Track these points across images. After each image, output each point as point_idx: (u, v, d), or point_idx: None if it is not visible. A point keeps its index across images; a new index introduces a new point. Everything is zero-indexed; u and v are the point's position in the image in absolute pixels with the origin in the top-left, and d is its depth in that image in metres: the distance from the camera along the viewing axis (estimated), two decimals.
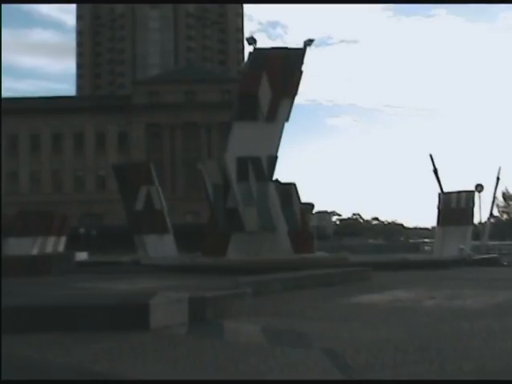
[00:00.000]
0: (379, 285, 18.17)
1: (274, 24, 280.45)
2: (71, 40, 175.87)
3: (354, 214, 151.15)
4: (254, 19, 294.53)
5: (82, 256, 36.77)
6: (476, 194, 35.90)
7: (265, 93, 29.91)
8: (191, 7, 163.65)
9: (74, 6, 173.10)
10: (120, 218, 43.07)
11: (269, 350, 8.34)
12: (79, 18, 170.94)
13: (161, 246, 34.18)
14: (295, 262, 26.02)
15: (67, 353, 8.20)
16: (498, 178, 38.41)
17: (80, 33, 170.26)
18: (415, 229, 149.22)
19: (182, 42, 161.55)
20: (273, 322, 11.03)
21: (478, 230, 40.94)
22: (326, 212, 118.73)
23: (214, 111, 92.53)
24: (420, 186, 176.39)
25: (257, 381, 6.57)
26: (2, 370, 6.86)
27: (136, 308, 10.29)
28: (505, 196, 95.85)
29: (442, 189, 36.27)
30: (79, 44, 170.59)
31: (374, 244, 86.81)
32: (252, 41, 30.94)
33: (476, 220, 38.14)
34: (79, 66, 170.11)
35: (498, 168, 38.79)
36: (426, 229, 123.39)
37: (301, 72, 30.84)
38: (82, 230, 68.84)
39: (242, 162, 29.48)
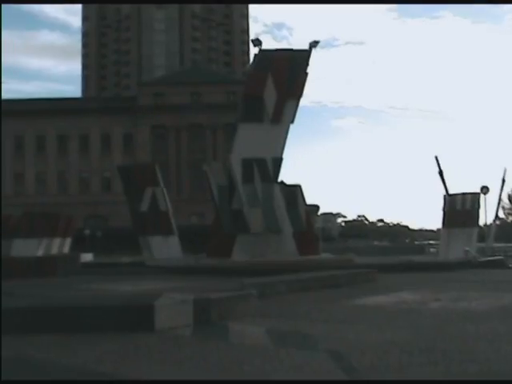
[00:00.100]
0: (384, 287, 18.14)
1: (279, 25, 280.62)
2: (77, 41, 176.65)
3: (359, 216, 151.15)
4: (260, 21, 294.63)
5: (87, 257, 36.82)
6: (481, 195, 35.80)
7: (270, 94, 29.93)
8: (197, 8, 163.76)
9: (79, 8, 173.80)
10: (125, 220, 43.04)
11: (274, 351, 8.33)
12: (85, 19, 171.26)
13: (166, 248, 34.17)
14: (300, 263, 25.99)
15: (71, 354, 8.21)
16: (503, 180, 38.32)
17: (86, 34, 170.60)
18: (420, 231, 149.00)
19: (188, 44, 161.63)
20: (278, 324, 11.02)
21: (484, 232, 40.82)
22: (331, 214, 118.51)
23: (219, 113, 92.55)
24: (425, 188, 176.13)
25: (258, 381, 6.56)
26: (4, 369, 6.86)
27: (141, 309, 10.28)
28: (510, 198, 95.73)
29: (447, 191, 36.20)
30: (85, 45, 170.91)
31: (379, 246, 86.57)
32: (257, 42, 30.97)
33: (481, 222, 38.03)
34: (85, 67, 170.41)
35: (503, 170, 38.70)
36: (432, 231, 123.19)
37: (306, 74, 30.85)
38: (87, 232, 68.90)
39: (248, 164, 29.50)
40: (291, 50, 32.74)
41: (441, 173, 36.76)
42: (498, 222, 40.36)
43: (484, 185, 37.02)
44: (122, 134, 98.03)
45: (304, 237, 29.75)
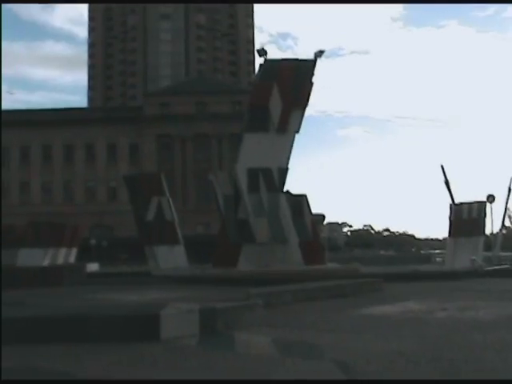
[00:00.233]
0: (391, 296, 18.10)
1: (284, 35, 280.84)
2: (83, 52, 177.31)
3: (365, 225, 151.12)
4: (265, 31, 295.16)
5: (93, 267, 36.82)
6: (487, 204, 35.71)
7: (276, 104, 29.97)
8: (202, 19, 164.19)
9: (85, 19, 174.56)
10: (131, 229, 43.04)
11: (280, 361, 8.30)
12: (91, 30, 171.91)
13: (171, 257, 34.13)
14: (306, 273, 25.95)
15: (78, 364, 8.20)
16: (509, 189, 38.19)
17: (92, 45, 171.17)
18: (426, 240, 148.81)
19: (193, 54, 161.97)
20: (284, 334, 10.99)
21: (490, 241, 40.70)
22: (337, 223, 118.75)
23: (224, 122, 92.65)
24: (431, 197, 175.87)
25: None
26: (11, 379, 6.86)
27: (146, 319, 10.28)
28: None
29: (453, 200, 36.15)
30: (91, 56, 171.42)
31: (385, 255, 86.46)
32: (263, 52, 31.03)
33: (488, 231, 37.94)
34: (91, 77, 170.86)
35: (509, 178, 38.60)
36: (438, 240, 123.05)
37: (311, 83, 30.89)
38: (93, 241, 68.98)
39: (253, 174, 29.51)
40: (296, 59, 32.79)
41: (447, 182, 36.71)
42: (504, 231, 40.22)
43: (490, 193, 36.92)
44: (128, 143, 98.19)
45: (310, 246, 29.72)
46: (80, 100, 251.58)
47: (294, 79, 30.39)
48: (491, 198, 36.43)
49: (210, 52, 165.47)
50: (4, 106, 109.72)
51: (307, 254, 29.30)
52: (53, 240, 31.78)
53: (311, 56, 31.25)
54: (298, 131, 30.57)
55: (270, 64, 30.99)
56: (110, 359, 8.41)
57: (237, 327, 11.07)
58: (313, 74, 30.84)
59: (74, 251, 35.48)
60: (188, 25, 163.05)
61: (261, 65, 31.48)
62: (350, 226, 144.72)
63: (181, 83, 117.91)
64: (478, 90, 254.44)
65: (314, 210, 32.55)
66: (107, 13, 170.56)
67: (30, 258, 29.39)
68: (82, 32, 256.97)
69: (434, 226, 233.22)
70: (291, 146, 30.41)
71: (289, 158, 30.40)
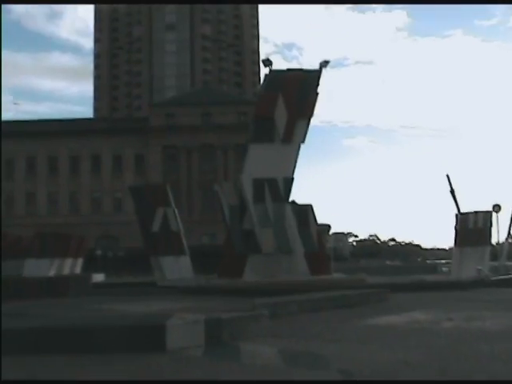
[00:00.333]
0: (397, 306, 18.06)
1: (289, 46, 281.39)
2: (89, 63, 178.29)
3: (370, 235, 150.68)
4: (270, 41, 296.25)
5: (98, 278, 36.84)
6: (493, 214, 35.64)
7: (281, 114, 30.00)
8: (207, 30, 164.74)
9: (91, 30, 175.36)
10: (136, 240, 43.05)
11: (286, 372, 8.29)
12: (97, 41, 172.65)
13: (177, 268, 34.12)
14: (312, 283, 25.90)
15: (83, 374, 8.19)
16: None
17: (98, 56, 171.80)
18: (432, 250, 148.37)
19: (198, 65, 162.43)
20: (289, 344, 10.97)
21: (496, 251, 40.59)
22: (342, 233, 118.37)
23: (230, 133, 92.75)
24: (437, 207, 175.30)
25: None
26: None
27: (152, 329, 10.27)
28: None
29: (459, 209, 36.08)
30: (97, 67, 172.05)
31: (391, 265, 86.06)
32: (268, 63, 31.10)
33: (494, 240, 37.84)
34: (97, 88, 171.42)
35: None
36: (444, 250, 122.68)
37: (316, 93, 30.94)
38: (98, 252, 68.98)
39: (259, 184, 29.52)
40: (301, 70, 32.85)
41: (452, 191, 36.65)
42: (510, 241, 40.05)
43: (496, 203, 36.84)
44: (134, 154, 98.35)
45: (315, 257, 29.68)
46: (86, 111, 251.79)
47: (299, 89, 30.44)
48: (497, 208, 36.34)
49: (216, 63, 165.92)
50: (10, 117, 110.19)
51: (313, 264, 29.25)
52: (59, 251, 31.87)
53: (316, 66, 31.33)
54: (303, 141, 30.59)
55: (275, 74, 31.05)
56: (115, 370, 8.41)
57: (242, 338, 11.05)
58: (318, 85, 30.89)
59: (80, 262, 35.58)
60: (193, 36, 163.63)
61: (266, 75, 31.54)
62: (356, 236, 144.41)
63: (186, 94, 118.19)
64: (483, 100, 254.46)
65: (320, 220, 32.55)
66: (113, 24, 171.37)
67: (37, 268, 29.48)
68: (88, 43, 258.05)
69: (440, 235, 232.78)
70: (296, 156, 30.42)
71: (294, 168, 30.41)
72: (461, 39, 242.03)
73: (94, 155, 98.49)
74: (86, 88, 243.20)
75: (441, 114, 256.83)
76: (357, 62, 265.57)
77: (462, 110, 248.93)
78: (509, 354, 9.20)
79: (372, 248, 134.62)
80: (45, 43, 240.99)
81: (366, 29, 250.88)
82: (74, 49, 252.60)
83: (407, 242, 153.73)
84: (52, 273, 31.02)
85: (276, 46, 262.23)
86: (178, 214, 36.05)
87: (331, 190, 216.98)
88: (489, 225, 34.70)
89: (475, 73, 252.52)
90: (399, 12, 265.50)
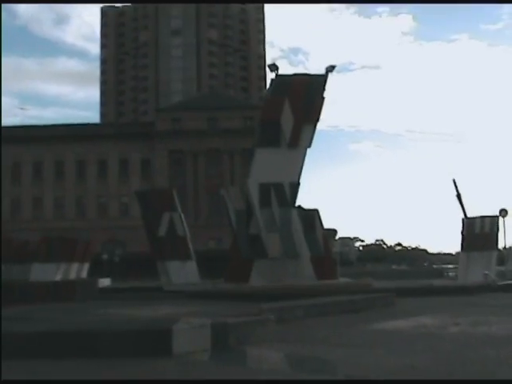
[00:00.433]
0: (403, 311, 18.03)
1: (295, 50, 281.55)
2: (95, 68, 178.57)
3: (377, 240, 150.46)
4: (276, 46, 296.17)
5: (104, 282, 36.88)
6: (500, 218, 35.59)
7: (287, 119, 30.00)
8: (213, 34, 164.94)
9: (98, 35, 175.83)
10: (143, 245, 43.10)
11: (292, 376, 8.28)
12: (103, 46, 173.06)
13: (183, 273, 34.18)
14: (318, 288, 25.88)
15: (89, 378, 8.20)
16: None
17: (104, 61, 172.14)
18: (439, 254, 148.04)
19: (205, 69, 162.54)
20: (296, 349, 10.97)
21: (503, 256, 40.55)
22: (349, 238, 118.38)
23: (236, 138, 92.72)
24: (443, 212, 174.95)
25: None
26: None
27: (158, 334, 10.27)
28: None
29: (465, 214, 36.02)
30: (103, 72, 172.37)
31: (397, 270, 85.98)
32: (274, 67, 31.12)
33: (500, 245, 37.78)
34: (103, 93, 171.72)
35: None
36: (450, 254, 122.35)
37: (323, 98, 30.94)
38: (105, 257, 68.97)
39: (265, 188, 29.52)
40: (308, 74, 32.89)
41: (459, 196, 36.59)
42: None
43: (503, 207, 36.79)
44: (140, 159, 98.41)
45: (322, 261, 29.66)
46: (92, 116, 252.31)
47: (306, 94, 30.45)
48: (504, 212, 36.28)
49: (222, 67, 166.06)
50: (17, 122, 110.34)
51: (319, 268, 29.23)
52: (65, 255, 31.91)
53: (322, 71, 31.34)
54: (309, 146, 30.59)
55: (281, 79, 31.07)
56: (121, 374, 8.41)
57: (249, 342, 11.05)
58: (324, 89, 30.90)
59: (86, 266, 35.59)
60: (199, 40, 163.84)
61: (272, 80, 31.57)
62: (362, 241, 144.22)
63: (192, 99, 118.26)
64: (490, 104, 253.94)
65: (326, 224, 32.54)
66: (119, 29, 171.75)
67: (43, 272, 29.52)
68: (95, 48, 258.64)
69: (447, 240, 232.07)
70: (303, 161, 30.42)
71: (300, 173, 30.41)
72: (467, 43, 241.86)
73: (100, 160, 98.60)
74: (93, 93, 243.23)
75: (447, 119, 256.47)
76: (363, 67, 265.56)
77: (468, 115, 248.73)
78: None
79: (378, 253, 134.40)
80: (51, 48, 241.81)
81: (372, 33, 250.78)
82: (81, 54, 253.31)
83: (413, 246, 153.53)
84: (58, 277, 31.05)
85: (282, 50, 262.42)
86: (184, 219, 36.12)
87: (337, 194, 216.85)
88: (495, 229, 34.64)
89: (481, 77, 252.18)
90: (405, 16, 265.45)
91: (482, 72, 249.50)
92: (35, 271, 30.06)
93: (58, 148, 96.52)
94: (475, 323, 14.34)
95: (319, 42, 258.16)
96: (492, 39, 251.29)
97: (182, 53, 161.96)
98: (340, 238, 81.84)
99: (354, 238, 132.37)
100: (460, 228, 35.59)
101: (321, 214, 30.71)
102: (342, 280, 31.22)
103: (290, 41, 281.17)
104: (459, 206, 36.40)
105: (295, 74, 33.43)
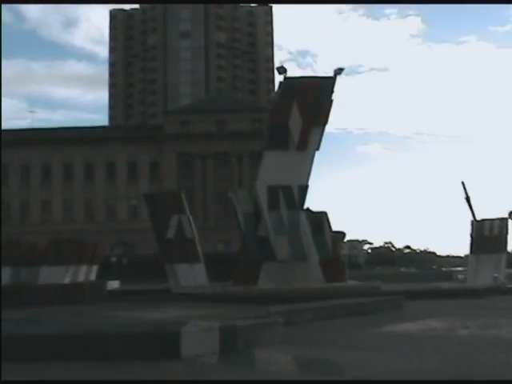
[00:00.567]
0: (412, 314, 17.99)
1: (303, 53, 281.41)
2: (104, 71, 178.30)
3: (385, 243, 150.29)
4: (284, 48, 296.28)
5: (113, 285, 36.90)
6: (509, 221, 35.46)
7: (295, 122, 29.99)
8: (222, 37, 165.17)
9: (106, 38, 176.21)
10: (151, 247, 43.13)
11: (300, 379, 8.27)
12: (112, 49, 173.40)
13: (192, 275, 34.16)
14: (327, 291, 25.83)
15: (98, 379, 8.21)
16: None
17: (113, 64, 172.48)
18: (448, 257, 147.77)
19: (213, 72, 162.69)
20: (304, 352, 10.95)
21: None
22: (357, 240, 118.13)
23: (244, 140, 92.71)
24: (452, 214, 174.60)
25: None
26: None
27: (167, 336, 10.27)
28: None
29: (474, 216, 35.91)
30: (112, 75, 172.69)
31: (406, 272, 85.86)
32: (282, 70, 31.13)
33: (510, 248, 37.66)
34: (111, 96, 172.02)
35: None
36: (459, 257, 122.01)
37: (331, 101, 30.91)
38: (113, 259, 69.07)
39: (273, 191, 29.51)
40: (316, 77, 32.88)
41: (468, 198, 36.47)
42: None
43: None
44: (148, 161, 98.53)
45: (330, 264, 29.62)
46: (101, 118, 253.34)
47: (314, 97, 30.44)
48: None
49: (230, 70, 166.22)
50: (26, 125, 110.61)
51: (327, 271, 29.19)
52: (74, 258, 31.94)
53: (331, 73, 31.32)
54: (317, 148, 30.57)
55: (289, 82, 31.07)
56: (129, 376, 8.41)
57: (257, 345, 11.03)
58: (332, 92, 30.88)
59: (95, 269, 35.62)
60: (208, 43, 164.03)
61: (280, 83, 31.57)
62: (371, 244, 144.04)
63: (201, 101, 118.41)
64: (499, 106, 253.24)
65: (335, 227, 32.50)
66: (128, 32, 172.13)
67: (52, 275, 29.55)
68: (103, 51, 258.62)
69: (456, 243, 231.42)
70: (311, 164, 30.40)
71: (309, 176, 30.40)
72: (475, 45, 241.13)
73: (108, 163, 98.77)
74: (101, 96, 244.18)
75: (455, 121, 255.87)
76: (371, 69, 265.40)
77: (476, 117, 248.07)
78: None
79: (387, 255, 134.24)
80: (60, 51, 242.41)
81: (381, 36, 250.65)
82: (89, 57, 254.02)
83: (422, 249, 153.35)
84: (67, 280, 31.09)
85: (290, 53, 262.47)
86: (192, 222, 36.11)
87: (346, 197, 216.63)
88: (505, 232, 34.52)
89: (490, 79, 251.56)
90: (413, 18, 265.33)
91: (491, 74, 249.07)
92: (44, 274, 30.10)
93: (66, 151, 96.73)
94: (484, 326, 14.29)
95: (327, 44, 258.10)
96: (501, 41, 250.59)
97: (191, 55, 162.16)
98: (348, 241, 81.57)
99: (363, 240, 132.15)
100: (469, 230, 35.49)
101: (329, 216, 30.69)
102: (351, 283, 31.18)
103: (298, 43, 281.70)
104: (468, 208, 36.29)
105: (303, 77, 33.43)
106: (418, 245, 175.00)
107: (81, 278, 32.95)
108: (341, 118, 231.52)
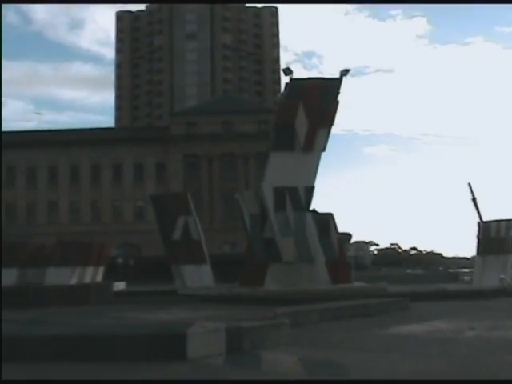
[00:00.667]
0: (418, 315, 17.96)
1: (309, 54, 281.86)
2: (110, 73, 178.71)
3: (392, 244, 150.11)
4: (290, 50, 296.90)
5: (119, 286, 36.92)
6: None
7: (301, 123, 29.99)
8: (228, 39, 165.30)
9: (113, 40, 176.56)
10: (158, 249, 43.14)
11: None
12: (118, 51, 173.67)
13: (198, 277, 34.15)
14: (333, 292, 25.82)
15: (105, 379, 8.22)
16: None
17: (119, 65, 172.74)
18: (454, 258, 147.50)
19: (219, 74, 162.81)
20: (310, 353, 10.94)
21: None
22: (363, 242, 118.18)
23: (250, 142, 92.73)
24: (459, 215, 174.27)
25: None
26: None
27: (173, 338, 10.27)
28: None
29: (481, 218, 35.83)
30: (118, 76, 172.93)
31: (412, 274, 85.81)
32: (288, 71, 31.13)
33: None
34: (118, 97, 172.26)
35: None
36: (465, 258, 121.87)
37: (337, 102, 30.89)
38: (119, 260, 69.11)
39: (280, 192, 29.52)
40: (322, 78, 32.87)
41: (474, 199, 36.39)
42: None
43: None
44: (155, 163, 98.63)
45: (336, 265, 29.60)
46: (107, 120, 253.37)
47: (320, 98, 30.44)
48: None
49: (236, 71, 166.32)
50: (32, 127, 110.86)
51: (334, 272, 29.17)
52: (80, 259, 31.96)
53: (337, 75, 31.32)
54: (323, 150, 30.57)
55: (295, 83, 31.07)
56: (136, 378, 8.42)
57: (263, 346, 11.03)
58: (338, 93, 30.87)
59: (101, 270, 35.63)
60: (214, 45, 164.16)
61: (286, 84, 31.57)
62: (377, 245, 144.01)
63: (207, 103, 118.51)
64: (505, 107, 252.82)
65: (341, 228, 32.48)
66: (134, 34, 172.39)
67: (58, 276, 29.60)
68: (109, 53, 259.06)
69: (462, 244, 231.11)
70: (317, 165, 30.40)
71: (315, 177, 30.39)
72: (481, 46, 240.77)
73: (115, 164, 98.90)
74: (108, 97, 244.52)
75: (462, 122, 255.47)
76: (377, 70, 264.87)
77: (483, 118, 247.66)
78: None
79: (393, 257, 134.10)
80: (66, 53, 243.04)
81: (387, 37, 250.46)
82: (96, 59, 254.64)
83: (428, 250, 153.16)
84: (73, 281, 31.12)
85: (296, 54, 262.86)
86: (198, 223, 36.09)
87: (352, 198, 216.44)
88: (511, 233, 34.44)
89: (496, 80, 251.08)
90: (419, 19, 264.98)
91: (498, 75, 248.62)
92: (50, 275, 30.14)
93: (73, 152, 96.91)
94: (491, 328, 14.26)
95: (333, 45, 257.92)
96: (507, 42, 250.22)
97: (197, 57, 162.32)
98: (355, 242, 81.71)
99: (369, 242, 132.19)
100: (475, 232, 35.41)
101: (335, 217, 30.68)
102: (357, 284, 31.16)
103: (304, 45, 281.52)
104: (475, 209, 36.21)
105: (309, 78, 33.40)
106: (425, 246, 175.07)
107: (87, 279, 32.98)
108: (347, 119, 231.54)
